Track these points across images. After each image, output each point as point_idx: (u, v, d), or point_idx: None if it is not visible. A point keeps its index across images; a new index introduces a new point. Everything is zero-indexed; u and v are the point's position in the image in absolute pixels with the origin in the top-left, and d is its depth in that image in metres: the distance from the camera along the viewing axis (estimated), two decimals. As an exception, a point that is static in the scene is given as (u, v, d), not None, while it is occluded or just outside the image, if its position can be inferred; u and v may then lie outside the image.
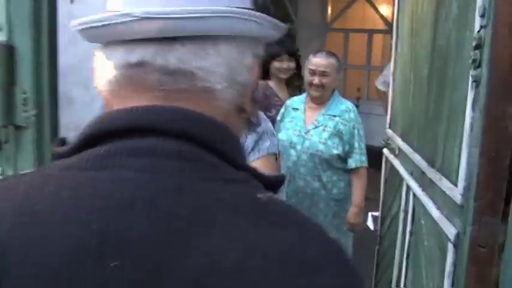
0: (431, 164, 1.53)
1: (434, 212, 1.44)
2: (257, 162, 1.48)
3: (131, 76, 0.51)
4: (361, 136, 2.54)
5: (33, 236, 0.42)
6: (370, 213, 2.55)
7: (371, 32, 7.13)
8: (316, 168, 2.51)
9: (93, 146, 0.48)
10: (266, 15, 0.54)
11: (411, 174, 1.84)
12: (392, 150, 2.20)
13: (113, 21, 0.49)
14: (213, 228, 0.43)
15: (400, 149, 2.03)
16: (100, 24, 0.50)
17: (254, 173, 0.52)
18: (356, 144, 2.51)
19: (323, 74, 2.54)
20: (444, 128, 1.40)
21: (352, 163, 2.49)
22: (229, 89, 0.52)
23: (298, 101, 2.71)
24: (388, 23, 6.74)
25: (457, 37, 1.31)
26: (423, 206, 1.59)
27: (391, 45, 6.83)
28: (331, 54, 2.66)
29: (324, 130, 2.53)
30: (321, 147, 2.50)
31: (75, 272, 0.40)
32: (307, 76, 2.62)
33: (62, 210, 0.44)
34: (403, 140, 2.00)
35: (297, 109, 2.66)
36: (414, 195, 1.75)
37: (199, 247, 0.41)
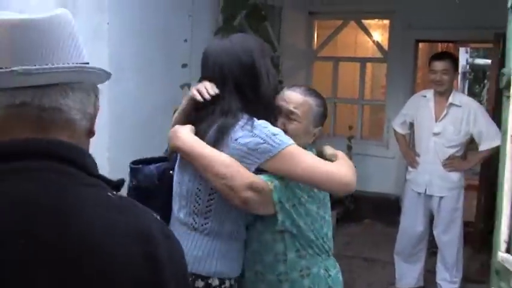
0: None
1: None
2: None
3: (15, 113, 0.80)
4: None
5: None
6: None
7: (364, 61, 6.17)
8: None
9: None
10: (101, 68, 0.88)
11: None
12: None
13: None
14: (84, 215, 0.76)
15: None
16: None
17: (103, 178, 0.84)
18: None
19: (290, 115, 1.69)
20: None
21: None
22: (83, 118, 0.85)
23: None
24: (384, 51, 5.82)
25: None
26: None
27: (385, 75, 5.85)
28: (312, 92, 1.78)
29: None
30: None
31: None
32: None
33: None
34: None
35: None
36: None
37: (77, 225, 0.74)
